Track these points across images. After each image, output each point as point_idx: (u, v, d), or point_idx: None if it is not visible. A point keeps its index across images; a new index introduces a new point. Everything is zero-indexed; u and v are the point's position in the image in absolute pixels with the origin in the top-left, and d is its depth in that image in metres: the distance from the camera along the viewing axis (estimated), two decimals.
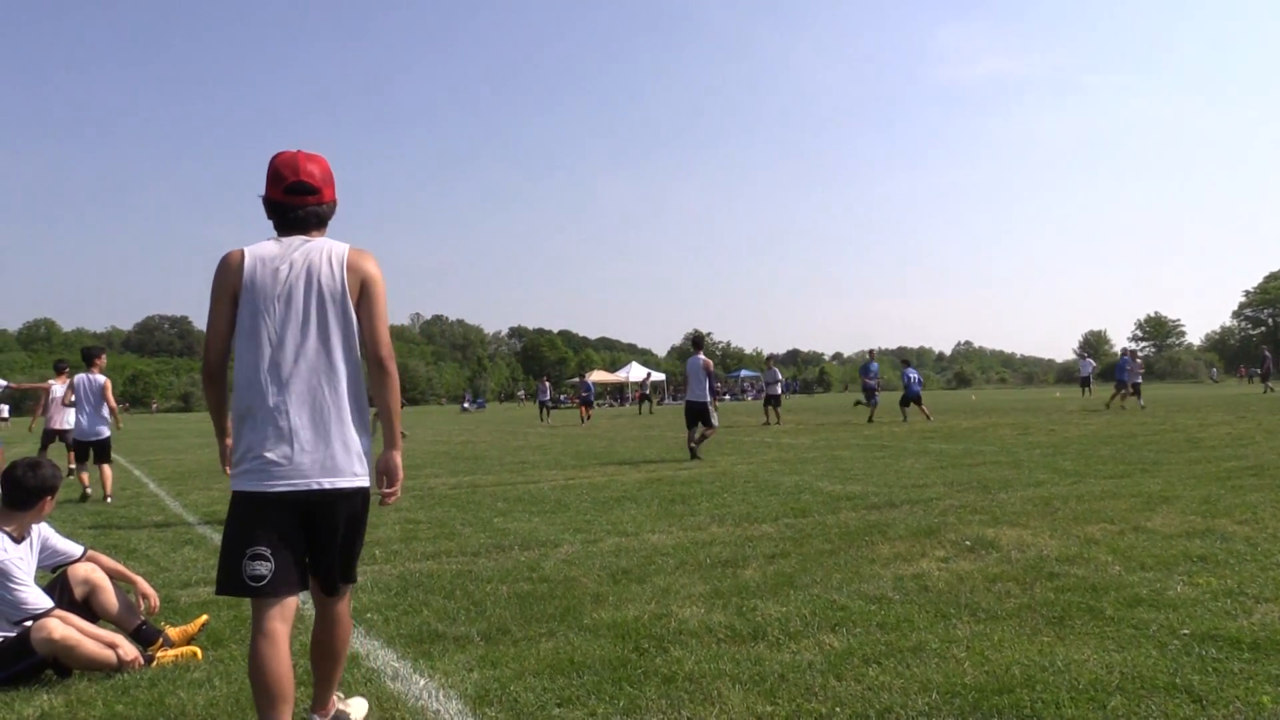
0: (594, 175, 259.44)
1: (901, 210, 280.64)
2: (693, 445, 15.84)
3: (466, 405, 75.47)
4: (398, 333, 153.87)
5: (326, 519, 3.23)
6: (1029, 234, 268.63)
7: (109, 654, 4.48)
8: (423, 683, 4.11)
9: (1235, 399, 35.21)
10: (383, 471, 3.38)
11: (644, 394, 48.44)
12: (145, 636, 4.84)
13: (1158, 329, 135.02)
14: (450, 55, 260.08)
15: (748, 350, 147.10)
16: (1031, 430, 19.84)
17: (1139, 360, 30.31)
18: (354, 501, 3.27)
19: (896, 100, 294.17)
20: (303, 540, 3.23)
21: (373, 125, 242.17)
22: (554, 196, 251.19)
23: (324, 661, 3.49)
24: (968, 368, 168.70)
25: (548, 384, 42.05)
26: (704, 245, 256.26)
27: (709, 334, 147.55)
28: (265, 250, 3.28)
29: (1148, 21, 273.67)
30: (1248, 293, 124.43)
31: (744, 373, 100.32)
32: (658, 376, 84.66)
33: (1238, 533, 6.77)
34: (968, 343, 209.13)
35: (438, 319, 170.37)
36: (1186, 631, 4.36)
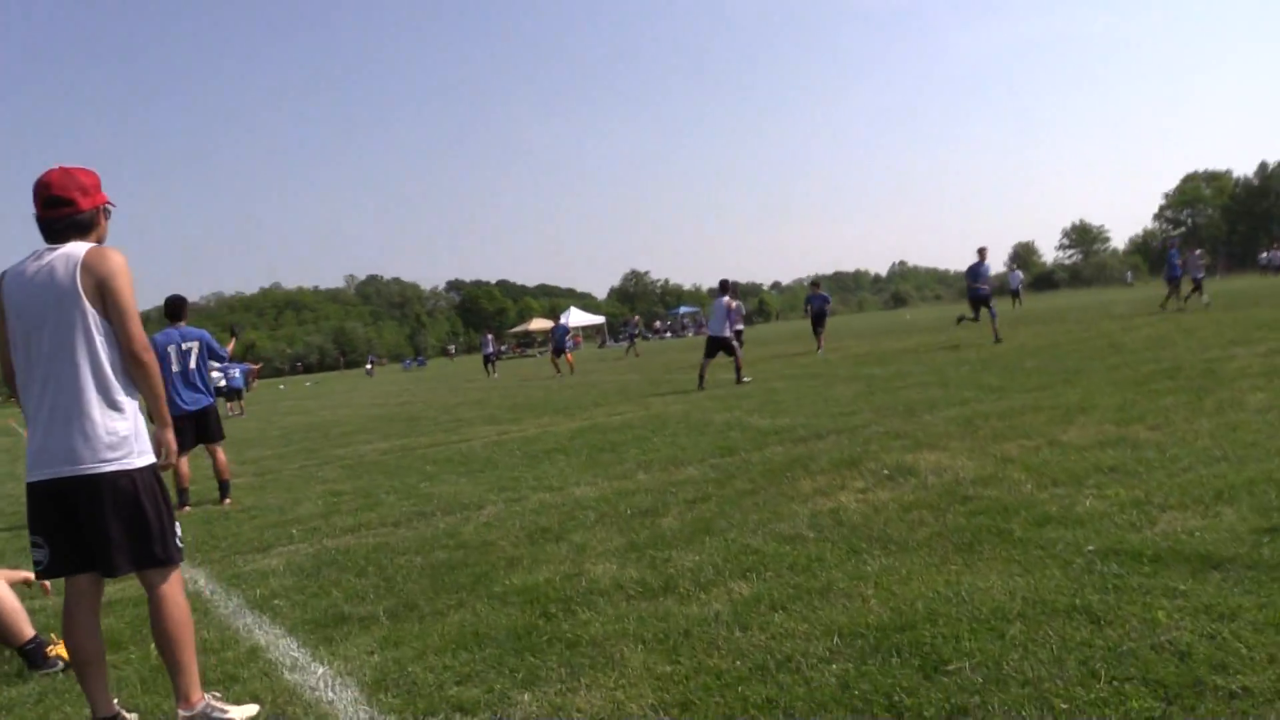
0: (522, 122, 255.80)
1: (829, 135, 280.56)
2: (703, 373, 17.21)
3: (407, 363, 74.82)
4: (334, 296, 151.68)
5: (85, 504, 3.39)
6: (954, 151, 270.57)
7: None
8: (320, 671, 3.99)
9: (1154, 301, 35.94)
10: (157, 446, 3.67)
11: (632, 333, 47.13)
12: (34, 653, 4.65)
13: (1083, 236, 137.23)
14: (371, 4, 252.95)
15: (686, 286, 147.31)
16: (963, 346, 20.05)
17: (1198, 253, 26.52)
18: (108, 485, 3.39)
19: (813, 24, 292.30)
20: (74, 526, 3.43)
21: (295, 82, 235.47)
22: (483, 147, 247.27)
23: (163, 648, 3.57)
24: (904, 287, 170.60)
25: (490, 336, 41.44)
26: (635, 184, 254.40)
27: (646, 272, 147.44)
28: (22, 267, 3.50)
29: None
30: (1166, 195, 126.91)
31: (683, 309, 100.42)
32: (596, 319, 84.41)
33: (1149, 439, 6.84)
34: (902, 263, 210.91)
35: (373, 279, 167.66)
36: (1091, 548, 4.37)
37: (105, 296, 3.40)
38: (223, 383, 27.42)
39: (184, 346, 9.34)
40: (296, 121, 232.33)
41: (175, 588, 3.58)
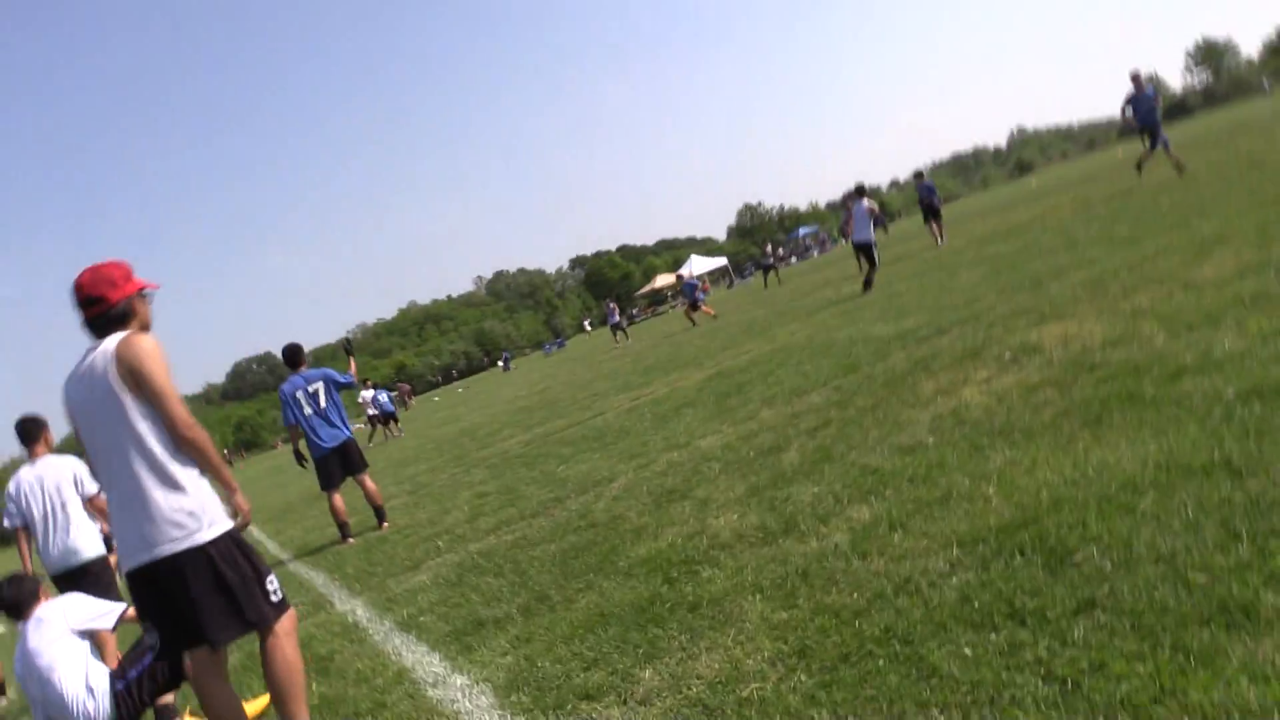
0: (598, 83, 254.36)
1: (914, 17, 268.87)
2: (868, 279, 16.95)
3: (547, 348, 76.12)
4: (467, 300, 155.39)
5: (169, 585, 3.49)
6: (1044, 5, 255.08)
7: None
8: (460, 682, 4.03)
9: None
10: (233, 514, 3.77)
11: (767, 264, 44.16)
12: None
13: (1210, 53, 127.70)
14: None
15: (803, 208, 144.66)
16: (1091, 204, 18.98)
17: None
18: (184, 563, 3.47)
19: None
20: (169, 606, 3.53)
21: (373, 109, 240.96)
22: (570, 117, 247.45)
23: (273, 699, 3.72)
24: (1027, 154, 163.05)
25: (614, 305, 41.56)
26: (733, 118, 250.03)
27: (759, 203, 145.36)
28: (75, 370, 3.66)
29: None
30: None
31: (802, 231, 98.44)
32: (719, 261, 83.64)
33: None
34: (1021, 129, 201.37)
35: (500, 274, 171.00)
36: (1231, 392, 4.01)
37: (140, 383, 3.48)
38: (372, 410, 28.41)
39: (310, 389, 9.65)
40: (393, 147, 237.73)
41: (281, 641, 3.66)
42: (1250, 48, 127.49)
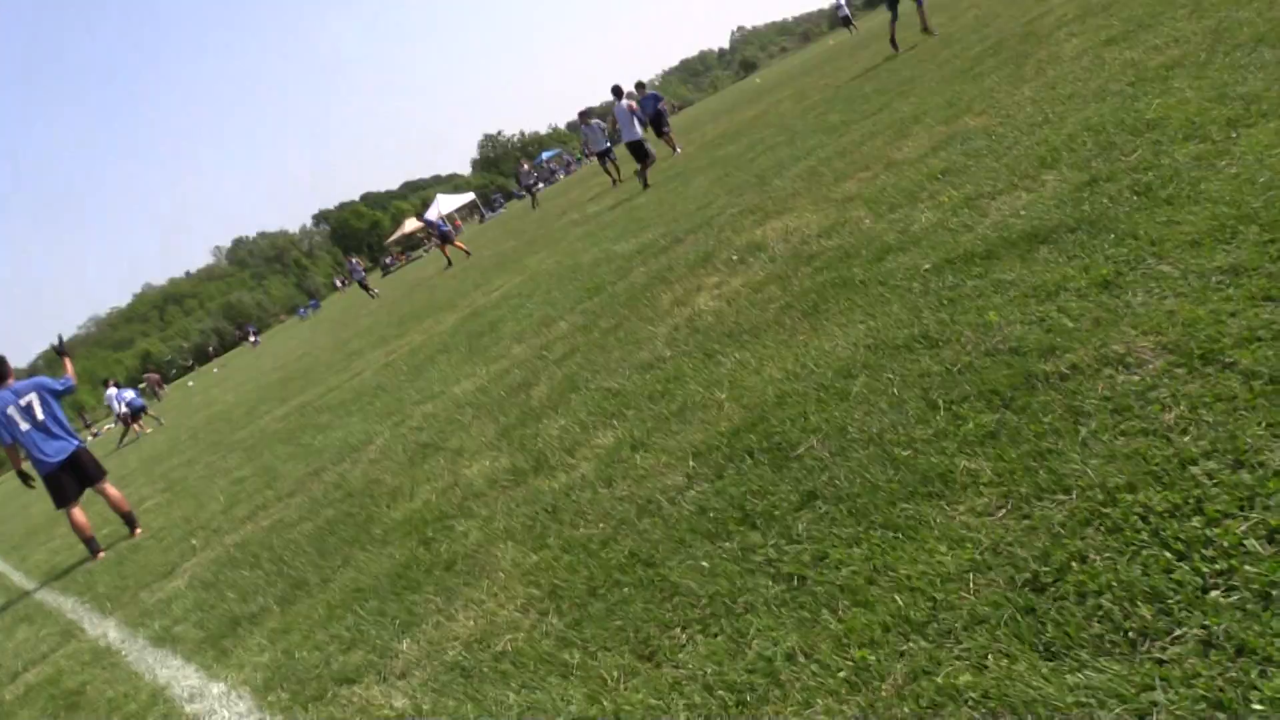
0: (315, 21, 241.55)
1: None
2: (644, 176, 16.96)
3: (302, 312, 73.04)
4: (208, 273, 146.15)
5: None
6: None
7: None
8: (217, 690, 3.79)
9: None
10: None
11: (528, 185, 41.15)
12: None
13: None
14: None
15: (544, 131, 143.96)
16: (807, 93, 19.73)
17: None
18: None
19: None
20: None
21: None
22: (288, 63, 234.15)
23: None
24: (749, 53, 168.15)
25: (356, 261, 40.10)
26: (463, 47, 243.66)
27: (499, 131, 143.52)
28: None
29: None
30: None
31: (545, 155, 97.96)
32: (467, 197, 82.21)
33: (977, 127, 6.69)
34: (741, 28, 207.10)
35: (240, 241, 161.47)
36: (927, 266, 4.24)
37: None
38: (124, 409, 26.31)
39: (23, 403, 8.77)
40: (85, 114, 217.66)
41: None
42: None
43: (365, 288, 36.58)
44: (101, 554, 8.86)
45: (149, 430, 25.99)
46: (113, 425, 26.30)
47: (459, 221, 76.77)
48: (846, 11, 44.49)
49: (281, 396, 15.01)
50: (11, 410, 8.72)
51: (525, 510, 3.85)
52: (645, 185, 16.84)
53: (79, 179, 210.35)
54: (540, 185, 35.52)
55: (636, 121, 17.97)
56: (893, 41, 17.78)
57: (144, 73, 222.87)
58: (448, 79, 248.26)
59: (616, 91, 18.65)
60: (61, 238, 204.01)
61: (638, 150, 17.72)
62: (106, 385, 27.72)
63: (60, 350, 9.71)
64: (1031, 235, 3.92)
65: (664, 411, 4.15)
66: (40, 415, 8.80)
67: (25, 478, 9.20)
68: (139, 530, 9.00)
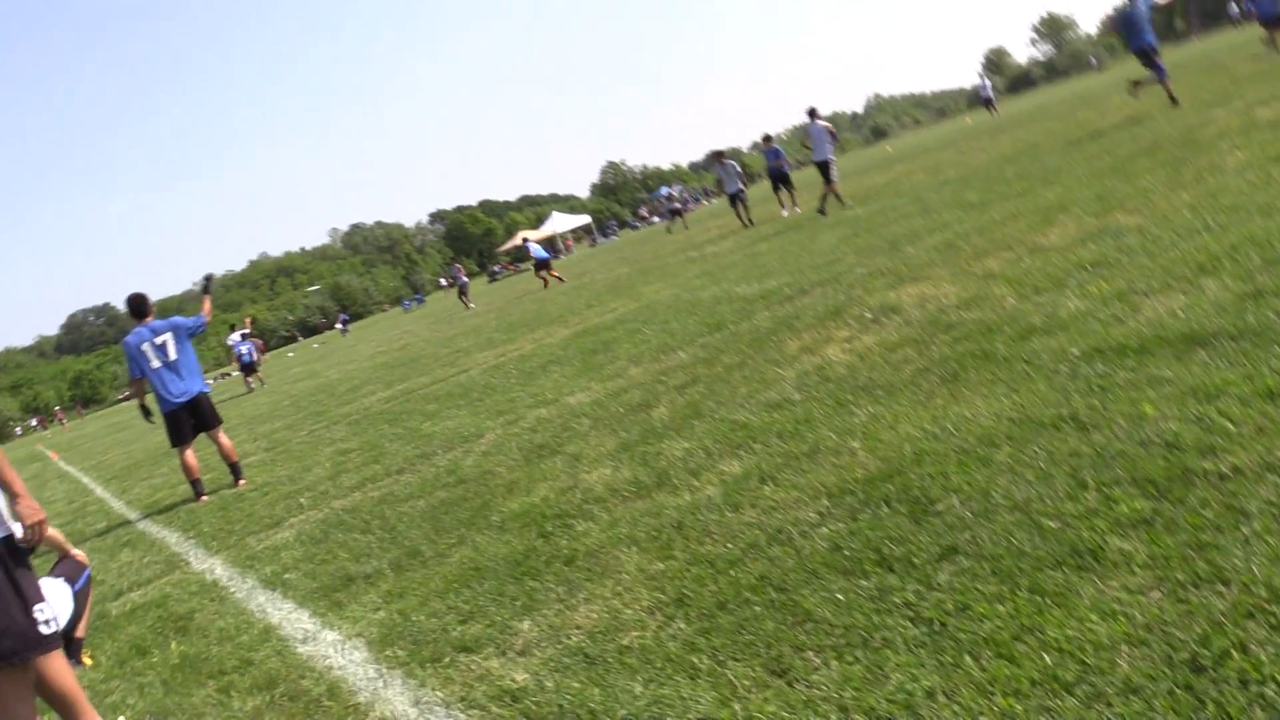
0: (459, 30, 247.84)
1: None
2: (837, 195, 17.93)
3: (406, 304, 74.73)
4: (322, 253, 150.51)
5: None
6: None
7: None
8: (331, 638, 3.97)
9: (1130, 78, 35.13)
10: (22, 522, 3.09)
11: (675, 208, 42.43)
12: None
13: (1053, 27, 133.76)
14: None
15: (666, 167, 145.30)
16: (942, 168, 19.69)
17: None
18: None
19: None
20: None
21: (227, 50, 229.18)
22: (431, 65, 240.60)
23: None
24: (882, 119, 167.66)
25: (459, 267, 40.58)
26: (598, 77, 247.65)
27: (622, 160, 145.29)
28: None
29: None
30: None
31: (664, 190, 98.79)
32: (583, 219, 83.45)
33: (1130, 225, 6.66)
34: (877, 95, 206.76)
35: (357, 228, 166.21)
36: (1076, 352, 4.26)
37: None
38: (254, 356, 27.65)
39: (158, 341, 9.23)
40: (247, 90, 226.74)
41: (17, 698, 3.04)
42: (1090, 24, 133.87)
43: (463, 296, 36.29)
44: (205, 497, 9.24)
45: (258, 386, 27.14)
46: (232, 374, 27.84)
47: (570, 242, 78.00)
48: (990, 93, 44.23)
49: (386, 380, 15.42)
50: (146, 346, 9.18)
51: (649, 521, 3.97)
52: (822, 211, 17.52)
53: (228, 140, 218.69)
54: (688, 208, 35.62)
55: (829, 144, 18.23)
56: (1171, 97, 15.83)
57: (299, 57, 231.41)
58: (578, 101, 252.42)
59: (812, 113, 18.86)
60: (197, 194, 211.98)
61: (824, 169, 18.15)
62: (233, 330, 29.05)
63: (205, 288, 10.16)
64: (1189, 337, 3.93)
65: (794, 450, 4.24)
66: (173, 355, 9.25)
67: (146, 411, 9.65)
68: (243, 481, 9.35)
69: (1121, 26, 16.00)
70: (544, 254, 28.44)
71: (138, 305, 9.41)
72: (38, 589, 3.07)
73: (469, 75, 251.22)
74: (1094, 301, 5.00)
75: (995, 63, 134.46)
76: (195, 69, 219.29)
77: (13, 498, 3.03)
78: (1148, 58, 15.70)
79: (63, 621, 3.01)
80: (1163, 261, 5.33)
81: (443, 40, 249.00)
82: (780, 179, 22.41)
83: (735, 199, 23.00)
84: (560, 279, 26.79)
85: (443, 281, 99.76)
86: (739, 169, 23.32)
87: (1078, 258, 6.16)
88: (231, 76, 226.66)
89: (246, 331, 28.85)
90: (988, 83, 46.02)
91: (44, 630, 3.01)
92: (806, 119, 18.94)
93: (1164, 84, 15.78)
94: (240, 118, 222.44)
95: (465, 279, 38.17)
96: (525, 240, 33.12)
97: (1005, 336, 4.89)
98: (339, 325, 65.39)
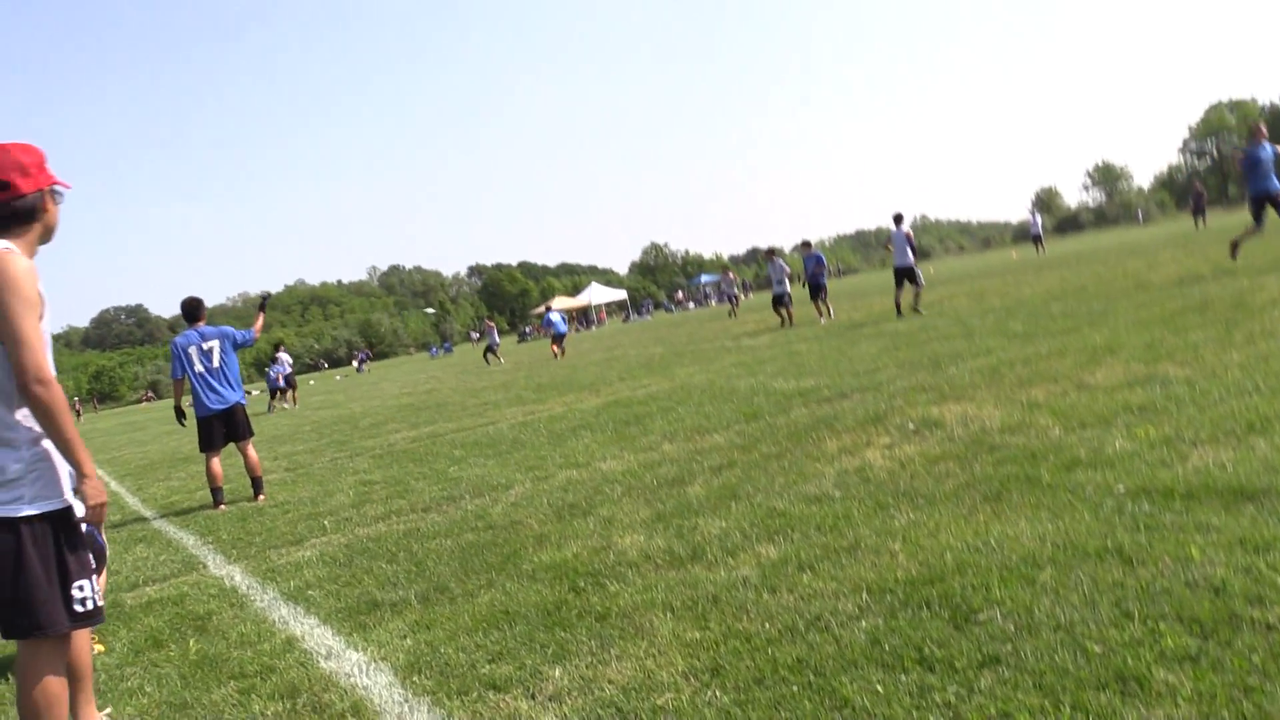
0: (527, 98, 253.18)
1: (840, 93, 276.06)
2: (899, 303, 18.75)
3: (434, 351, 75.19)
4: (358, 289, 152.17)
5: None
6: (971, 97, 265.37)
7: None
8: (355, 658, 4.01)
9: (1178, 237, 35.46)
10: (85, 502, 3.14)
11: (734, 294, 41.58)
12: None
13: (1107, 175, 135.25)
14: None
15: (707, 255, 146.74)
16: (986, 296, 19.85)
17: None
18: None
19: None
20: None
21: (306, 80, 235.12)
22: (491, 126, 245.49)
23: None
24: (926, 240, 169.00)
25: (492, 325, 40.87)
26: (649, 158, 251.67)
27: (665, 244, 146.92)
28: None
29: None
30: (1191, 128, 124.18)
31: (704, 278, 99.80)
32: (619, 294, 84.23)
33: (1178, 376, 6.74)
34: (924, 216, 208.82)
35: (395, 269, 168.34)
36: (1122, 489, 4.31)
37: None
38: (281, 380, 28.17)
39: (205, 346, 9.42)
40: (309, 118, 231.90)
41: (45, 668, 3.06)
42: (1143, 178, 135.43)
43: (491, 354, 36.59)
44: (224, 506, 9.32)
45: (290, 404, 27.61)
46: (253, 392, 28.58)
47: (603, 314, 78.69)
48: (1039, 230, 44.66)
49: (412, 421, 15.54)
50: (193, 350, 9.38)
51: (684, 591, 4.02)
52: (917, 310, 18.21)
53: (286, 164, 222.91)
54: (743, 296, 35.53)
55: (909, 250, 18.54)
56: (1235, 246, 15.91)
57: (369, 97, 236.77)
58: (628, 179, 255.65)
59: (897, 219, 19.21)
60: (248, 211, 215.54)
61: (909, 274, 18.47)
62: (278, 349, 29.63)
63: (261, 305, 10.40)
64: (1238, 490, 3.98)
65: (833, 544, 4.29)
66: (216, 362, 9.43)
67: (181, 413, 9.81)
68: (262, 497, 9.44)
69: (1246, 167, 15.80)
70: (562, 329, 30.20)
71: (192, 309, 9.63)
72: (84, 566, 3.15)
73: (527, 139, 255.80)
74: (1140, 444, 5.05)
75: (1045, 201, 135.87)
76: (258, 93, 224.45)
77: (81, 477, 3.10)
78: (1260, 205, 15.44)
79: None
80: (1211, 415, 5.39)
81: (506, 103, 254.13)
82: (816, 288, 22.62)
83: (781, 298, 23.14)
84: (561, 353, 28.88)
85: (473, 335, 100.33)
86: (788, 269, 23.58)
87: (1124, 400, 6.23)
88: (295, 104, 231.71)
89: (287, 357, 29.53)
90: (1039, 219, 46.50)
91: (76, 609, 3.08)
92: (892, 224, 19.29)
93: (1251, 234, 15.87)
94: (300, 143, 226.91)
95: (497, 337, 38.43)
96: (547, 309, 34.31)
97: (1050, 465, 4.95)
98: (356, 362, 65.53)
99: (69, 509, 3.11)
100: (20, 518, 2.97)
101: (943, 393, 7.95)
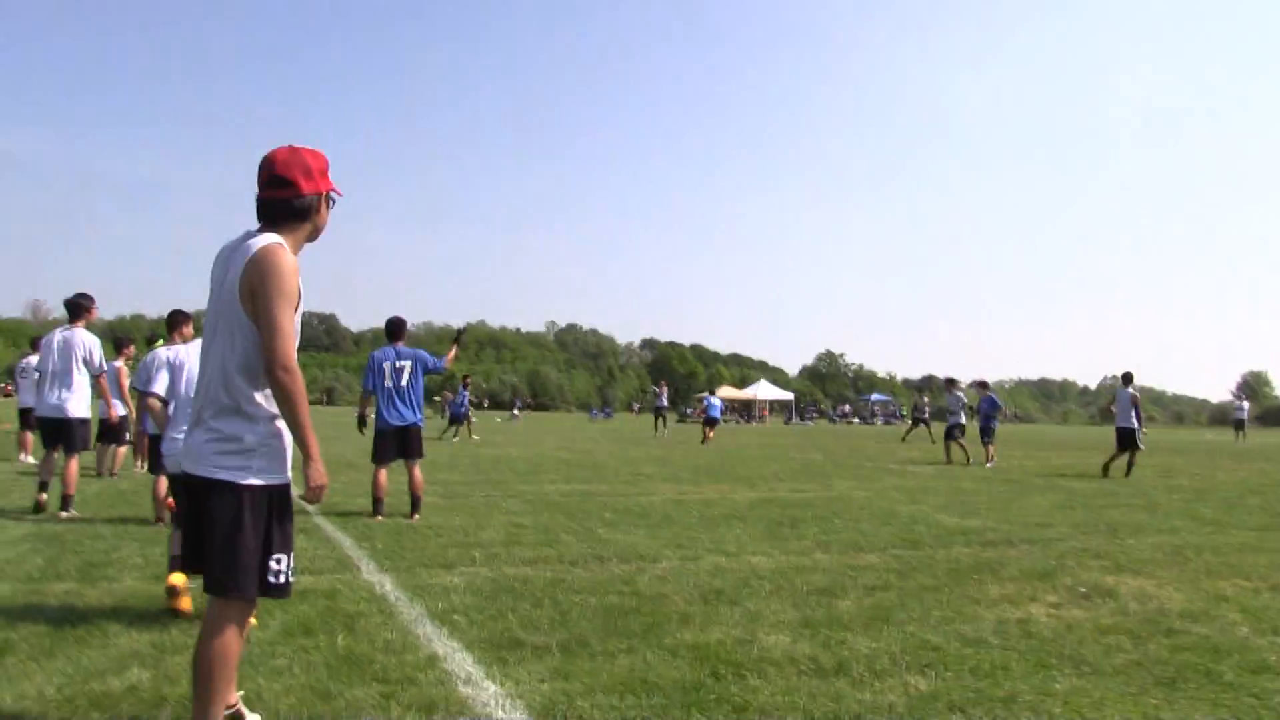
0: (736, 191, 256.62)
1: (1044, 235, 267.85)
2: (1109, 464, 17.86)
3: (594, 413, 76.34)
4: (533, 339, 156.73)
5: (200, 506, 3.25)
6: (1182, 265, 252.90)
7: None
8: (493, 689, 4.09)
9: None
10: (308, 483, 3.38)
11: (923, 417, 35.95)
12: None
13: None
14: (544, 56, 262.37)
15: (880, 373, 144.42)
16: (1174, 473, 18.80)
17: None
18: (216, 493, 3.19)
19: (1045, 121, 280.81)
20: (192, 521, 3.32)
21: (509, 121, 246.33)
22: (696, 209, 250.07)
23: (193, 677, 3.25)
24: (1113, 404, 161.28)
25: (664, 388, 40.48)
26: (834, 267, 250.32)
27: (841, 354, 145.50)
28: (229, 244, 3.37)
29: None
30: None
31: (875, 396, 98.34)
32: (786, 395, 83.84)
33: None
34: (1115, 378, 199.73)
35: (572, 327, 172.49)
36: None
37: (255, 303, 3.17)
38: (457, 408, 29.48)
39: (399, 364, 9.91)
40: (523, 162, 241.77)
41: (229, 624, 3.24)
42: None
43: (660, 417, 37.25)
44: (381, 518, 9.69)
45: (475, 437, 28.55)
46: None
47: (766, 412, 78.37)
48: (1244, 415, 42.05)
49: (566, 476, 15.81)
50: (387, 365, 9.90)
51: (827, 704, 3.94)
52: (1128, 473, 17.57)
53: (496, 205, 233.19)
54: (927, 420, 33.69)
55: (1134, 412, 18.07)
56: None
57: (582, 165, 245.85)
58: (812, 281, 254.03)
59: (1126, 378, 18.84)
60: (440, 251, 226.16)
61: (1129, 437, 17.89)
62: (465, 381, 30.98)
63: (457, 337, 10.86)
64: None
65: (988, 690, 4.13)
66: (405, 381, 9.91)
67: (362, 422, 10.35)
68: (417, 516, 9.77)
69: None
70: (716, 414, 31.33)
71: (395, 328, 10.19)
72: (287, 541, 3.35)
73: (726, 224, 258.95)
74: None
75: (1251, 386, 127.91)
76: (480, 136, 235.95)
77: (308, 460, 3.31)
78: None
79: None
80: None
81: (706, 188, 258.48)
82: (986, 430, 21.81)
83: (953, 429, 22.38)
84: (710, 437, 29.80)
85: (634, 406, 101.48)
86: (963, 400, 22.85)
87: None
88: (508, 148, 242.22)
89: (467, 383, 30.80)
90: (1245, 404, 43.83)
91: (270, 580, 3.28)
92: (1120, 381, 19.04)
93: None
94: (506, 187, 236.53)
95: (665, 401, 38.44)
96: (710, 394, 35.16)
97: (1233, 663, 4.64)
98: (514, 411, 67.17)
99: (288, 486, 3.36)
100: (246, 485, 3.20)
101: (1118, 562, 7.56)
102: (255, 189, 3.37)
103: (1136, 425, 17.91)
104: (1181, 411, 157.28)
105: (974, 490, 14.15)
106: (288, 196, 3.32)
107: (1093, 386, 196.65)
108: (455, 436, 29.26)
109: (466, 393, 30.18)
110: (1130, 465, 17.79)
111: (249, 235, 3.32)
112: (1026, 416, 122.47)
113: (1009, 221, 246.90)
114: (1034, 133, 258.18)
